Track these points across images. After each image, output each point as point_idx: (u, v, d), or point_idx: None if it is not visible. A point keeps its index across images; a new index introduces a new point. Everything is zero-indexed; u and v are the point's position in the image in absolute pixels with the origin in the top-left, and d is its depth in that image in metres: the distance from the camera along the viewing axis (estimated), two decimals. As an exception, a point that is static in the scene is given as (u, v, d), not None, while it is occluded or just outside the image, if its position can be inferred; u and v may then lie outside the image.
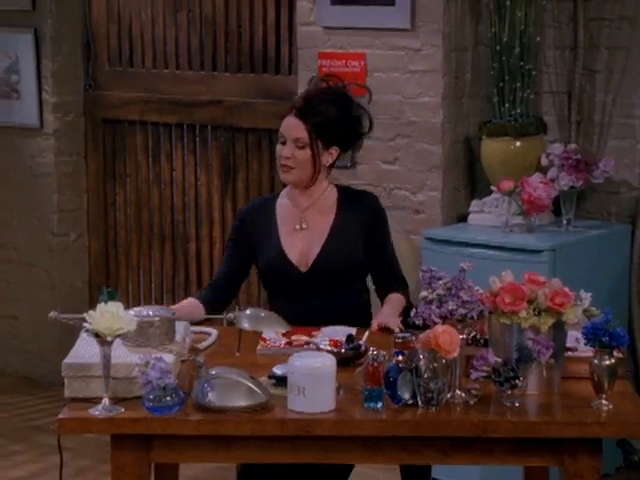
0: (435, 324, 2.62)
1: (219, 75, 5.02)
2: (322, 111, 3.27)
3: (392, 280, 3.39)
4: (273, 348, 3.07)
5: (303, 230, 3.35)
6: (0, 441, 4.77)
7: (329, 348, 2.94)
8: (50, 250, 5.37)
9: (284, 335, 3.13)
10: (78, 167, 5.40)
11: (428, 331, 2.62)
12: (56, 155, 5.31)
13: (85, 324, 2.72)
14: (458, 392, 2.65)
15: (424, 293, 2.68)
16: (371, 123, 3.38)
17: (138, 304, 5.24)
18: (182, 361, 2.91)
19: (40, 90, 5.23)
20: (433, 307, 2.65)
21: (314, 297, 3.33)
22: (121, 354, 2.80)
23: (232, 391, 2.70)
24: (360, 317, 3.33)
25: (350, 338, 3.00)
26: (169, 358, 2.78)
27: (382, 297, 3.39)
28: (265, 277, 3.44)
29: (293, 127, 3.27)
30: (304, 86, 4.55)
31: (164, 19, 5.13)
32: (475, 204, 4.31)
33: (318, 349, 2.96)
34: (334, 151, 3.32)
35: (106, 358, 2.72)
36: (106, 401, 2.72)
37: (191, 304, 3.38)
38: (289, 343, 3.09)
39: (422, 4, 4.23)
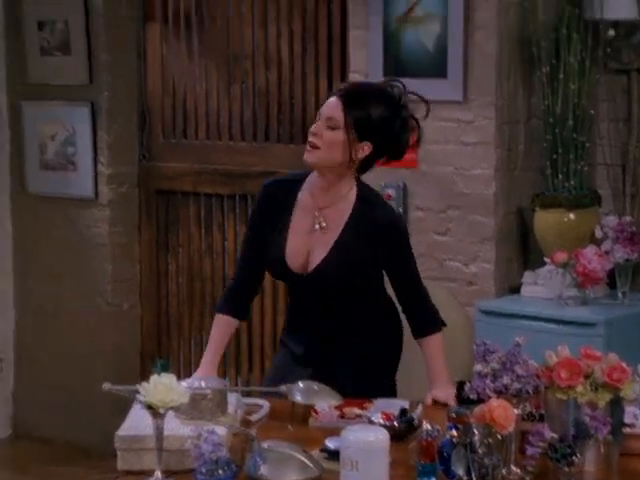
0: (489, 398, 2.60)
1: (271, 146, 5.08)
2: (368, 104, 3.08)
3: (417, 298, 3.24)
4: (325, 421, 3.06)
5: (319, 230, 3.16)
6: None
7: (382, 422, 2.92)
8: (103, 321, 5.41)
9: (336, 408, 3.11)
10: (132, 237, 5.46)
11: (482, 405, 2.60)
12: (110, 226, 5.37)
13: (138, 396, 2.73)
14: (513, 468, 2.61)
15: (478, 367, 2.66)
16: (419, 139, 3.21)
17: (189, 375, 5.25)
18: (234, 434, 2.91)
19: (96, 162, 5.32)
20: (487, 381, 2.63)
21: (316, 303, 3.22)
22: (174, 426, 2.80)
23: (285, 465, 2.68)
24: (378, 330, 3.28)
25: (403, 412, 2.98)
26: (221, 431, 2.77)
27: (412, 324, 3.26)
28: (274, 274, 3.30)
29: (330, 106, 3.07)
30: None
31: (218, 92, 5.21)
32: (528, 275, 4.29)
33: (370, 422, 2.94)
34: (366, 147, 3.08)
35: (159, 430, 2.72)
36: (159, 474, 2.71)
37: (227, 324, 3.32)
38: (341, 416, 3.08)
39: (475, 77, 4.26)
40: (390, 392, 3.31)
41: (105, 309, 5.43)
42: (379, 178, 4.50)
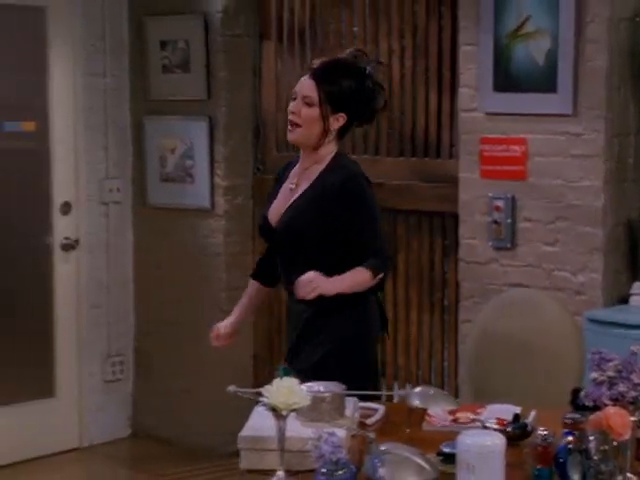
0: (605, 406, 2.57)
1: (381, 159, 5.08)
2: (337, 79, 3.28)
3: (369, 255, 3.26)
4: (439, 425, 3.05)
5: (293, 190, 3.36)
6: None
7: (495, 426, 2.91)
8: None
9: (450, 412, 3.10)
10: (245, 247, 5.51)
11: (598, 412, 2.56)
12: (225, 235, 5.44)
13: (262, 398, 2.76)
14: (630, 475, 2.57)
15: (594, 374, 2.63)
16: (386, 102, 3.41)
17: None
18: (352, 436, 2.92)
19: (212, 174, 5.39)
20: (603, 389, 2.60)
21: (285, 256, 3.37)
22: (295, 428, 2.83)
23: (402, 467, 2.68)
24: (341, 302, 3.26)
25: (516, 417, 2.96)
26: (341, 433, 2.79)
27: None
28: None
29: (305, 85, 3.30)
30: (465, 170, 4.58)
31: (330, 106, 5.22)
32: (637, 286, 4.21)
33: (484, 427, 2.93)
34: (341, 118, 3.30)
35: (281, 432, 2.75)
36: (281, 473, 2.74)
37: (252, 287, 3.64)
38: (455, 420, 3.07)
39: (584, 91, 4.21)
40: (367, 374, 3.36)
41: (219, 316, 5.46)
42: (488, 189, 4.50)
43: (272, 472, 2.76)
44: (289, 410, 2.72)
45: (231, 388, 2.88)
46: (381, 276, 3.29)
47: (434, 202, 4.88)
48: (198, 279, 5.51)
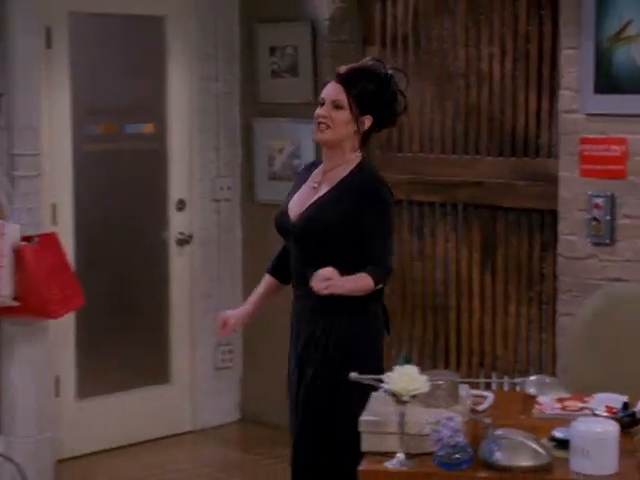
0: None
1: (481, 158, 5.09)
2: (362, 83, 3.30)
3: (372, 262, 3.24)
4: (549, 412, 3.07)
5: (316, 189, 3.35)
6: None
7: (605, 414, 2.92)
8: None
9: (558, 400, 3.12)
10: (350, 242, 5.55)
11: None
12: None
13: (382, 384, 2.81)
14: None
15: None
16: (406, 106, 3.42)
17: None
18: (466, 421, 2.95)
19: (318, 173, 5.44)
20: None
21: (300, 255, 3.33)
22: (413, 413, 2.87)
23: (518, 451, 2.72)
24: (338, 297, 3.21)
25: (625, 405, 2.97)
26: (458, 418, 2.83)
27: None
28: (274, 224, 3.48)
29: (333, 90, 3.32)
30: (565, 169, 4.57)
31: (431, 108, 5.25)
32: None
33: (594, 415, 2.94)
34: (367, 120, 3.32)
35: (402, 416, 2.80)
36: (401, 456, 2.79)
37: (267, 282, 3.59)
38: (563, 408, 3.08)
39: (684, 92, 4.18)
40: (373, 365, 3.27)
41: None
42: (587, 188, 4.48)
43: (391, 454, 2.81)
44: (409, 396, 2.77)
45: (353, 375, 2.92)
46: (380, 286, 3.29)
47: (533, 200, 4.88)
48: (305, 272, 5.57)
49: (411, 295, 5.41)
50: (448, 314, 5.27)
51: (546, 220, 4.85)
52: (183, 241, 5.61)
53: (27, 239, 4.65)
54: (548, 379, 2.98)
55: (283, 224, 3.38)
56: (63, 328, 5.15)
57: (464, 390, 3.12)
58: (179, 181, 5.58)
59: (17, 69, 4.74)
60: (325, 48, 5.34)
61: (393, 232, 3.35)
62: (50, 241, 4.70)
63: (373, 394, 3.05)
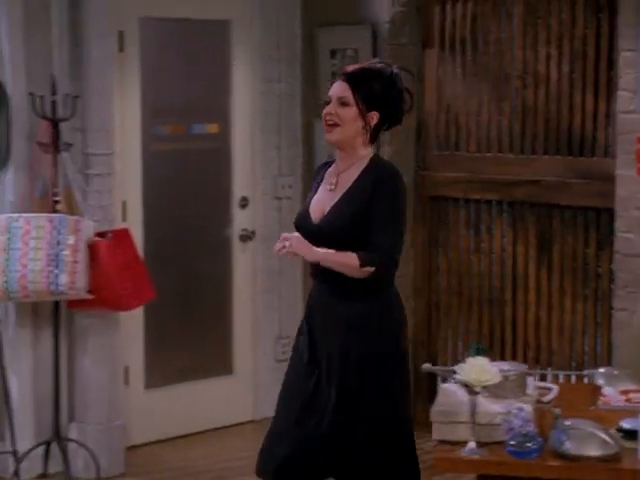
0: None
1: (538, 158, 5.11)
2: (367, 80, 3.29)
3: (371, 247, 3.20)
4: (615, 404, 3.09)
5: (332, 190, 3.32)
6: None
7: (670, 407, 2.94)
8: (382, 310, 5.57)
9: (622, 392, 3.14)
10: (407, 238, 5.58)
11: None
12: (389, 228, 5.52)
13: (455, 375, 2.86)
14: None
15: None
16: (412, 105, 3.38)
17: (455, 361, 5.36)
18: (535, 411, 2.98)
19: (378, 171, 5.48)
20: None
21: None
22: (484, 403, 2.91)
23: (587, 441, 2.75)
24: (366, 286, 3.21)
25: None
26: (528, 408, 2.86)
27: None
28: (295, 228, 3.44)
29: (339, 88, 3.31)
30: (622, 168, 4.58)
31: (488, 108, 5.28)
32: None
33: (660, 407, 2.96)
34: (374, 116, 3.29)
35: (473, 406, 2.84)
36: (473, 444, 2.83)
37: None
38: (628, 400, 3.11)
39: None
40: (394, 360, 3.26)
41: (383, 301, 5.58)
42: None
43: (462, 443, 2.85)
44: (481, 386, 2.82)
45: (426, 366, 2.97)
46: (371, 270, 3.20)
47: (588, 198, 4.90)
48: (363, 268, 5.61)
49: (467, 289, 5.44)
50: (504, 308, 5.29)
51: (602, 218, 4.86)
52: (246, 237, 5.68)
53: (101, 235, 4.74)
54: (616, 371, 3.01)
55: (305, 226, 3.35)
56: (133, 320, 5.24)
57: (530, 382, 3.15)
58: (242, 179, 5.65)
59: (92, 72, 4.83)
60: (385, 50, 5.38)
61: (401, 223, 3.29)
62: (123, 237, 4.79)
63: (442, 385, 3.09)
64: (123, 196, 5.20)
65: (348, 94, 3.27)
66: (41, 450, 4.90)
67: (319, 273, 3.30)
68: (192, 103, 5.47)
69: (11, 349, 4.84)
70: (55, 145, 4.67)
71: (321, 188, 3.37)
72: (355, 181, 3.27)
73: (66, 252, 4.54)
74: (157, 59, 5.32)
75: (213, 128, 5.54)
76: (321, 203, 3.33)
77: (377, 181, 3.24)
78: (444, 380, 2.98)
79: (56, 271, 4.53)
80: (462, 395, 2.87)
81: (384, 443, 3.20)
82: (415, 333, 5.66)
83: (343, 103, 3.28)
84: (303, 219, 3.38)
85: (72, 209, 4.74)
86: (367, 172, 3.28)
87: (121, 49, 5.11)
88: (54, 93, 4.69)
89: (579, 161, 4.94)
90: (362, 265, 3.19)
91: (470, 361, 2.82)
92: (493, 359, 3.03)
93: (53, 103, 4.67)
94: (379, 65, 3.38)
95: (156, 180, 5.37)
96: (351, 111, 3.26)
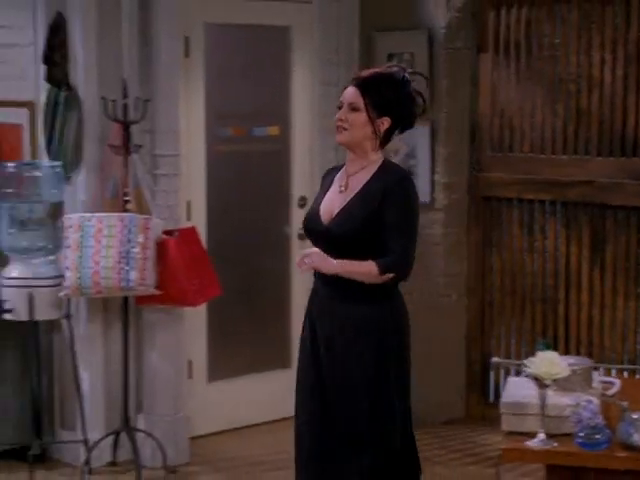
0: None
1: (591, 159, 5.13)
2: (378, 86, 3.27)
3: (389, 253, 3.19)
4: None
5: (342, 192, 3.30)
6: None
7: None
8: (436, 308, 5.62)
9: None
10: (461, 238, 5.64)
11: None
12: (444, 227, 5.57)
13: (525, 368, 2.90)
14: None
15: None
16: (424, 109, 3.38)
17: (508, 357, 5.40)
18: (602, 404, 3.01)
19: (433, 172, 5.53)
20: None
21: (332, 254, 3.24)
22: (553, 396, 2.95)
23: (654, 433, 2.77)
24: (372, 287, 3.19)
25: None
26: (596, 401, 2.90)
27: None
28: (304, 229, 3.44)
29: (350, 93, 3.29)
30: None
31: (542, 111, 5.30)
32: None
33: None
34: (385, 121, 3.28)
35: (543, 399, 2.88)
36: (542, 435, 2.87)
37: None
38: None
39: None
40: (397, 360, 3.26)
41: (437, 299, 5.64)
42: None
43: (530, 434, 2.89)
44: (551, 380, 2.86)
45: (495, 360, 3.02)
46: (391, 276, 3.21)
47: (641, 198, 4.92)
48: (418, 266, 5.63)
49: (521, 288, 5.47)
50: (557, 306, 5.32)
51: (655, 218, 4.88)
52: (304, 236, 5.71)
53: (168, 233, 4.82)
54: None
55: (315, 227, 3.34)
56: (197, 316, 5.32)
57: (595, 376, 3.18)
58: (301, 179, 5.71)
59: (160, 76, 4.92)
60: (441, 55, 5.43)
61: (415, 226, 3.28)
62: (190, 235, 4.87)
63: (509, 379, 3.13)
64: (188, 196, 5.28)
65: (358, 100, 3.26)
66: (110, 440, 5.00)
67: (326, 275, 3.27)
68: (254, 106, 5.54)
69: (82, 343, 4.94)
70: (126, 147, 4.76)
71: (331, 190, 3.36)
72: (366, 184, 3.26)
73: (136, 249, 4.63)
74: (221, 64, 5.40)
75: (273, 130, 5.61)
76: (331, 205, 3.32)
77: (389, 186, 3.22)
78: (511, 373, 3.02)
79: (127, 268, 4.61)
80: (531, 388, 2.90)
81: (386, 442, 3.23)
82: (468, 331, 5.70)
83: (353, 109, 3.27)
84: (313, 220, 3.35)
85: (141, 208, 4.83)
86: (378, 176, 3.27)
87: (187, 54, 5.19)
88: (125, 96, 4.78)
89: (632, 162, 4.96)
90: (382, 272, 3.18)
91: (540, 355, 2.86)
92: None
93: (124, 106, 4.77)
94: (392, 70, 3.35)
95: (219, 181, 5.44)
96: (361, 117, 3.25)
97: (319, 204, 3.36)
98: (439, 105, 5.47)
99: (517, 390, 3.05)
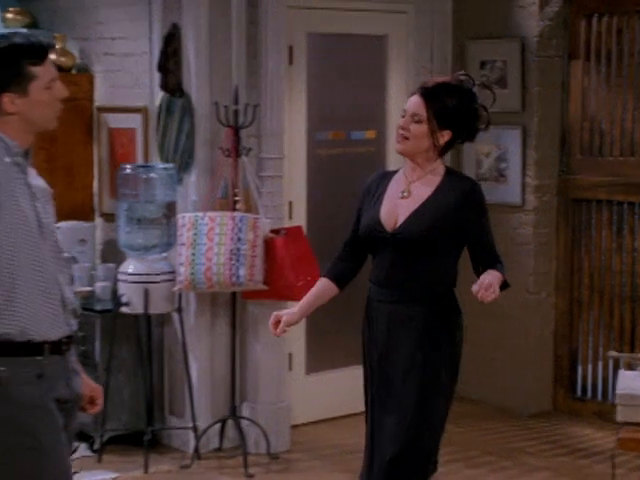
0: None
1: (681, 161, 5.14)
2: (443, 98, 3.19)
3: (491, 260, 3.22)
4: None
5: (405, 198, 3.24)
6: (492, 458, 5.08)
7: None
8: (526, 306, 5.66)
9: None
10: (550, 238, 5.67)
11: None
12: (534, 228, 5.61)
13: (640, 362, 2.95)
14: None
15: None
16: (488, 122, 3.28)
17: (596, 355, 5.42)
18: None
19: (524, 175, 5.57)
20: None
21: (397, 259, 3.21)
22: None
23: None
24: (439, 289, 3.20)
25: None
26: None
27: (480, 274, 3.19)
28: (361, 236, 3.35)
29: (415, 104, 3.22)
30: None
31: (633, 116, 5.31)
32: None
33: None
34: (446, 134, 3.21)
35: (659, 390, 2.93)
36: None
37: (323, 286, 3.47)
38: None
39: None
40: (449, 360, 3.25)
41: (526, 297, 5.67)
42: None
43: (643, 425, 2.94)
44: (667, 373, 2.90)
45: (611, 353, 3.06)
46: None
47: None
48: (507, 264, 5.65)
49: (609, 286, 5.49)
50: (645, 305, 5.33)
51: None
52: (397, 235, 5.80)
53: (275, 231, 4.94)
54: None
55: (379, 233, 3.25)
56: (298, 310, 5.41)
57: None
58: (394, 182, 5.77)
59: (266, 83, 5.04)
60: (533, 62, 5.47)
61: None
62: (296, 233, 4.98)
63: (620, 372, 3.17)
64: (289, 197, 5.39)
65: (422, 111, 3.20)
66: (217, 427, 5.12)
67: (391, 278, 3.24)
68: (352, 111, 5.64)
69: (190, 336, 5.08)
70: (236, 150, 4.88)
71: (389, 196, 3.28)
72: (435, 191, 3.22)
73: (246, 247, 4.75)
74: (321, 71, 5.50)
75: (370, 134, 5.70)
76: (393, 211, 3.25)
77: (469, 193, 3.20)
78: (628, 367, 3.07)
79: (237, 264, 4.74)
80: (644, 380, 2.95)
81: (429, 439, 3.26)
82: (556, 327, 5.73)
83: (416, 120, 3.21)
84: (375, 226, 3.27)
85: (249, 208, 4.95)
86: (446, 183, 3.23)
87: (290, 62, 5.31)
88: (236, 103, 4.90)
89: None
90: (504, 279, 3.21)
91: (657, 349, 2.91)
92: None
93: (235, 112, 4.89)
94: (457, 80, 3.28)
95: (318, 182, 5.55)
96: (422, 128, 3.19)
97: (377, 212, 3.28)
98: (531, 111, 5.51)
99: (631, 382, 3.10)
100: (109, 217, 5.41)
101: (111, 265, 5.28)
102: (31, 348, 2.74)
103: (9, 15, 5.48)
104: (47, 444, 2.73)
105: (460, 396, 5.90)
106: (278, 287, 4.87)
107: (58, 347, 2.80)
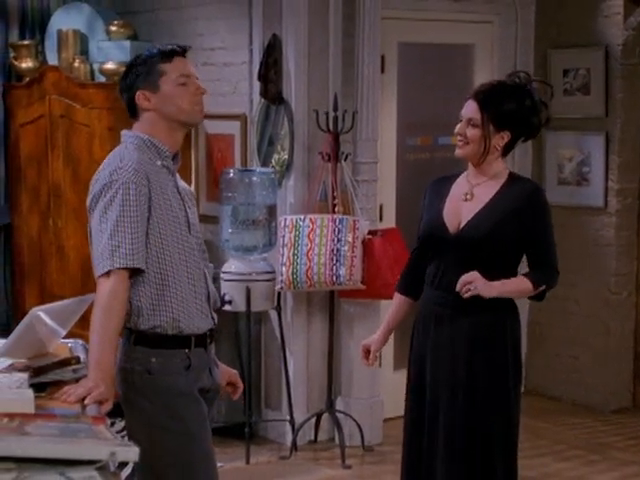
0: None
1: None
2: (498, 100, 3.10)
3: (540, 265, 3.10)
4: None
5: (468, 201, 3.16)
6: (580, 452, 5.08)
7: None
8: (607, 305, 5.64)
9: None
10: (632, 240, 5.65)
11: None
12: (616, 230, 5.59)
13: None
14: None
15: None
16: (548, 118, 3.18)
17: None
18: None
19: (606, 179, 5.56)
20: None
21: (457, 261, 3.11)
22: None
23: None
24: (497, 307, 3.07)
25: None
26: None
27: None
28: (422, 237, 3.27)
29: (470, 108, 3.14)
30: None
31: None
32: None
33: None
34: (505, 135, 3.11)
35: None
36: None
37: (399, 302, 3.39)
38: None
39: None
40: (501, 369, 3.13)
41: (608, 296, 5.65)
42: None
43: None
44: None
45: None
46: (543, 288, 3.12)
47: None
48: (590, 265, 5.69)
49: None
50: None
51: None
52: (481, 237, 5.80)
53: (372, 233, 4.97)
54: None
55: (442, 236, 3.17)
56: (385, 309, 5.43)
57: None
58: (478, 185, 5.78)
59: (362, 91, 5.07)
60: (616, 70, 5.46)
61: (554, 235, 3.18)
62: (393, 235, 5.01)
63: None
64: (380, 200, 5.42)
65: (477, 116, 3.11)
66: (312, 420, 5.16)
67: (449, 281, 3.13)
68: (438, 117, 5.65)
69: (287, 332, 5.13)
70: (336, 155, 4.93)
71: (451, 199, 3.21)
72: (497, 194, 3.14)
73: (345, 248, 4.79)
74: (411, 79, 5.53)
75: (456, 140, 5.69)
76: (456, 213, 3.17)
77: (531, 197, 3.12)
78: None
79: (337, 264, 4.78)
80: None
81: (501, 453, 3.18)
82: (637, 326, 5.70)
83: (472, 124, 3.14)
84: (437, 229, 3.19)
85: (347, 211, 4.99)
86: (509, 186, 3.15)
87: (382, 71, 5.34)
88: (336, 109, 4.95)
89: None
90: (536, 287, 3.10)
91: None
92: None
93: (335, 118, 4.94)
94: (512, 80, 3.17)
95: (407, 186, 5.57)
96: (479, 132, 3.11)
97: (439, 214, 3.21)
98: (614, 117, 5.50)
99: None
100: (207, 219, 5.48)
101: (210, 265, 5.33)
102: (180, 341, 2.81)
103: (112, 28, 5.58)
104: (195, 430, 2.80)
105: (541, 392, 5.93)
106: (375, 286, 4.90)
107: (203, 340, 2.87)
